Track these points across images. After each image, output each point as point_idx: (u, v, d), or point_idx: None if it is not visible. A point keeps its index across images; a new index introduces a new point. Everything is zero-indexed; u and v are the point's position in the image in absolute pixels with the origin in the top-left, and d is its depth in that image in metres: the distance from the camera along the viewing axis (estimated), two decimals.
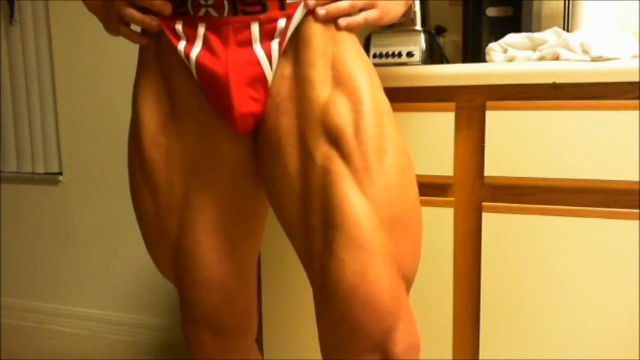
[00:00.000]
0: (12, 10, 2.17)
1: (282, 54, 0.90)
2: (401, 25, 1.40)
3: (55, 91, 2.19)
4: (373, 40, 1.41)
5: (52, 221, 2.29)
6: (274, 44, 0.89)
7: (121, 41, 2.05)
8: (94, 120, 2.15)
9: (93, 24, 2.09)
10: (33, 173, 2.26)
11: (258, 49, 0.89)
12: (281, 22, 0.88)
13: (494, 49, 1.26)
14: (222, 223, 0.98)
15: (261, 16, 0.87)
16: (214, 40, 0.88)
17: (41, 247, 2.32)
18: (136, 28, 0.96)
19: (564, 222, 1.16)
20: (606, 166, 1.12)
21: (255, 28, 0.88)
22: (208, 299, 1.01)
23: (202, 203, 0.96)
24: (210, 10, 0.87)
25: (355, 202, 0.83)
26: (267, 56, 0.89)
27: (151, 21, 0.91)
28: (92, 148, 2.17)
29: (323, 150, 0.87)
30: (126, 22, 0.95)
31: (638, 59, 1.11)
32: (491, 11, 1.40)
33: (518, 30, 1.34)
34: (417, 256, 0.90)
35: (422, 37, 1.37)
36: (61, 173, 2.24)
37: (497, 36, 1.31)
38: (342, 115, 0.86)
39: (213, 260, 0.99)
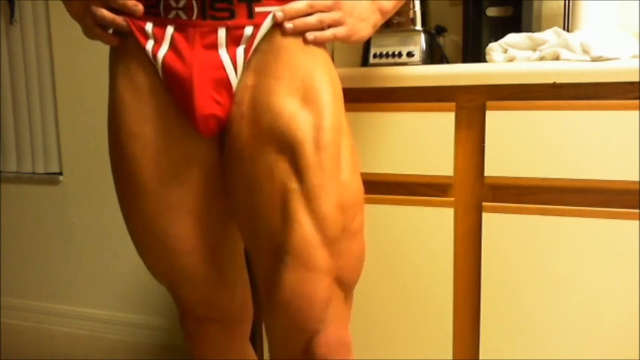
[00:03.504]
0: (12, 10, 2.17)
1: (249, 63, 0.91)
2: (401, 25, 1.41)
3: (55, 91, 2.19)
4: (373, 40, 1.41)
5: (52, 221, 2.29)
6: (240, 50, 0.91)
7: None
8: (94, 120, 2.15)
9: None
10: (33, 173, 2.26)
11: (223, 53, 0.90)
12: (248, 30, 0.90)
13: (494, 49, 1.26)
14: (206, 221, 1.00)
15: (229, 22, 0.89)
16: (181, 42, 0.90)
17: (41, 247, 2.32)
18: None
19: (564, 222, 1.16)
20: (606, 166, 1.12)
21: (221, 33, 0.89)
22: (209, 296, 1.05)
23: (182, 203, 0.97)
24: (180, 12, 0.89)
25: (303, 222, 0.87)
26: (232, 61, 0.91)
27: (121, 21, 0.92)
28: (92, 148, 2.17)
29: (282, 165, 0.88)
30: (100, 24, 0.96)
31: (638, 59, 1.11)
32: (491, 11, 1.40)
33: (518, 30, 1.34)
34: (360, 265, 0.95)
35: (422, 37, 1.37)
36: (61, 173, 2.24)
37: (498, 36, 1.31)
38: (303, 130, 0.88)
39: (206, 258, 1.01)
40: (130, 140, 0.95)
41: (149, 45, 0.92)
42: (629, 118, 1.10)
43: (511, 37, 1.24)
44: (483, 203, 1.22)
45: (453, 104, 1.21)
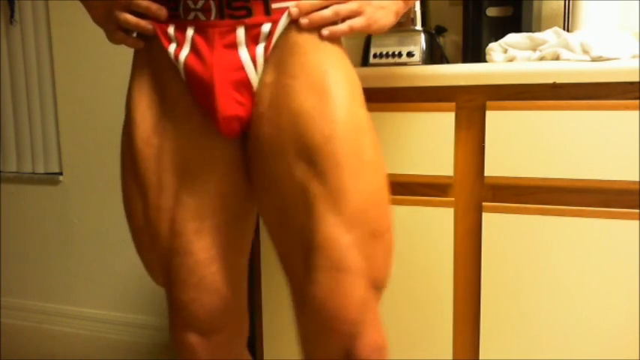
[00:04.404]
0: (12, 10, 2.17)
1: (268, 60, 0.91)
2: (401, 25, 1.40)
3: (55, 91, 2.19)
4: (373, 40, 1.41)
5: (52, 221, 2.29)
6: (259, 49, 0.90)
7: None
8: (94, 120, 2.15)
9: (93, 24, 2.08)
10: (33, 173, 2.26)
11: (243, 52, 0.90)
12: (265, 27, 0.89)
13: (494, 49, 1.26)
14: (215, 223, 0.98)
15: (247, 20, 0.88)
16: (201, 43, 0.90)
17: (41, 247, 2.32)
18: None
19: (564, 222, 1.16)
20: (606, 166, 1.12)
21: (240, 32, 0.89)
22: (200, 300, 1.00)
23: (194, 203, 0.96)
24: (199, 13, 0.89)
25: (331, 223, 0.87)
26: (252, 60, 0.90)
27: (146, 24, 0.93)
28: (92, 148, 2.17)
29: (301, 166, 0.88)
30: (122, 28, 0.97)
31: (638, 59, 1.11)
32: (491, 11, 1.40)
33: (518, 30, 1.34)
34: (389, 265, 0.94)
35: (422, 37, 1.37)
36: (61, 173, 2.24)
37: (498, 36, 1.31)
38: (319, 132, 0.87)
39: (206, 260, 0.98)
40: (146, 140, 0.95)
41: (171, 48, 0.92)
42: (629, 118, 1.10)
43: (511, 37, 1.24)
44: (483, 203, 1.22)
45: (453, 104, 1.21)
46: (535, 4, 1.43)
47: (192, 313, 1.00)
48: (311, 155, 0.87)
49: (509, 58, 1.23)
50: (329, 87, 0.88)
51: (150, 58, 0.96)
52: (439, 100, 1.22)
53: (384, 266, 0.93)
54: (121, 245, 2.18)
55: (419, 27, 1.40)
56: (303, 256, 0.90)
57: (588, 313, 1.17)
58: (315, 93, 0.88)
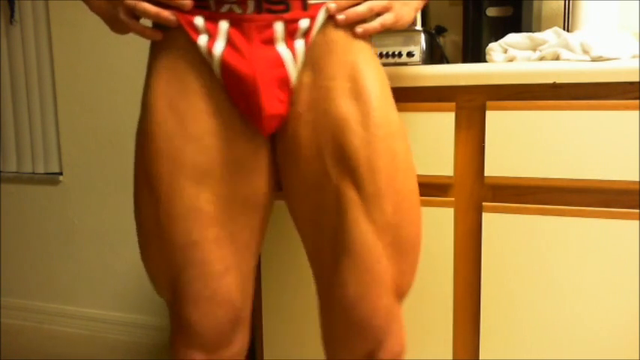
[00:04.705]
0: (12, 10, 2.17)
1: (305, 58, 0.89)
2: None
3: (55, 91, 2.19)
4: (373, 40, 1.40)
5: (52, 221, 2.29)
6: (299, 45, 0.88)
7: (121, 41, 2.05)
8: (94, 120, 2.15)
9: (93, 24, 2.09)
10: (33, 173, 2.26)
11: (282, 49, 0.87)
12: (303, 23, 0.87)
13: (494, 49, 1.26)
14: (230, 231, 0.93)
15: (285, 15, 0.86)
16: (238, 38, 0.86)
17: (41, 247, 2.32)
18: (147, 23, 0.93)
19: (564, 222, 1.16)
20: (606, 166, 1.12)
21: (279, 27, 0.86)
22: (214, 314, 0.94)
23: (214, 210, 0.91)
24: (234, 6, 0.85)
25: (364, 230, 0.88)
26: (292, 57, 0.88)
27: (169, 15, 0.87)
28: (92, 148, 2.17)
29: (338, 170, 0.88)
30: (136, 17, 0.90)
31: (638, 59, 1.11)
32: (491, 11, 1.40)
33: (518, 30, 1.34)
34: (415, 272, 0.96)
35: (422, 37, 1.37)
36: (61, 173, 2.24)
37: (498, 36, 1.31)
38: (358, 138, 0.88)
39: (221, 271, 0.93)
40: (167, 142, 0.89)
41: (202, 40, 0.86)
42: (629, 118, 1.10)
43: (511, 37, 1.24)
44: (483, 203, 1.22)
45: (453, 104, 1.21)
46: (535, 4, 1.43)
47: (201, 330, 0.94)
48: (347, 160, 0.88)
49: (509, 58, 1.22)
50: (366, 91, 0.89)
51: (168, 51, 0.90)
52: (439, 100, 1.22)
53: (410, 275, 0.94)
54: (121, 245, 2.18)
55: (419, 27, 1.40)
56: (334, 257, 0.91)
57: (588, 313, 1.17)
58: (353, 97, 0.88)
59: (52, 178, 2.25)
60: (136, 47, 2.03)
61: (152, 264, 0.95)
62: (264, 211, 0.98)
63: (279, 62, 0.87)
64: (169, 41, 0.90)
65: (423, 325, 1.29)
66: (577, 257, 1.17)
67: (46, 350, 2.11)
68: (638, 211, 1.12)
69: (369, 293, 0.90)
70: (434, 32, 1.45)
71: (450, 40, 1.61)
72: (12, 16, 2.17)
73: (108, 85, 2.11)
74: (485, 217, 1.21)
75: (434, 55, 1.43)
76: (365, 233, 0.88)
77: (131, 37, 2.04)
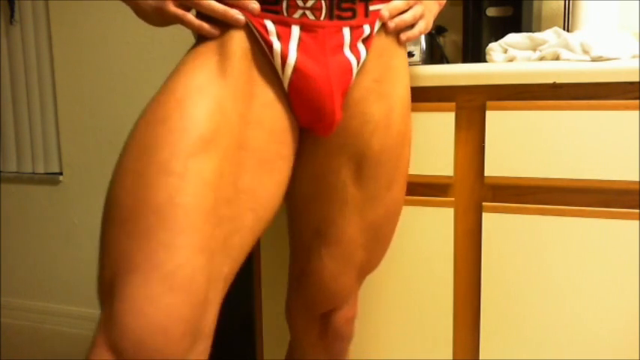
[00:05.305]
0: (12, 10, 2.17)
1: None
2: None
3: (55, 91, 2.19)
4: None
5: (52, 221, 2.29)
6: (363, 50, 0.89)
7: (121, 41, 2.05)
8: (94, 120, 2.15)
9: (93, 24, 2.09)
10: (33, 173, 2.26)
11: (349, 54, 0.88)
12: (366, 29, 0.89)
13: (494, 49, 1.26)
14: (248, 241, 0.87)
15: (352, 22, 0.87)
16: (311, 44, 0.84)
17: (41, 247, 2.32)
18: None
19: (564, 222, 1.16)
20: (606, 166, 1.12)
21: (347, 33, 0.87)
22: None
23: (244, 226, 0.84)
24: (308, 12, 0.84)
25: (353, 224, 0.97)
26: (357, 62, 0.89)
27: (236, 14, 0.82)
28: (92, 148, 2.17)
29: (349, 167, 0.94)
30: (187, 8, 0.83)
31: (638, 59, 1.11)
32: (491, 11, 1.40)
33: (518, 30, 1.33)
34: (381, 261, 1.08)
35: (422, 37, 1.37)
36: (61, 173, 2.24)
37: (498, 36, 1.31)
38: (380, 142, 0.93)
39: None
40: (201, 146, 0.77)
41: (277, 45, 0.83)
42: (629, 118, 1.10)
43: (511, 37, 1.24)
44: (483, 203, 1.22)
45: (453, 104, 1.21)
46: (535, 4, 1.43)
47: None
48: (361, 160, 0.93)
49: (509, 58, 1.22)
50: (399, 97, 0.94)
51: (222, 49, 0.82)
52: (439, 100, 1.22)
53: (376, 263, 1.07)
54: None
55: None
56: (320, 237, 1.00)
57: (588, 313, 1.17)
58: (387, 103, 0.92)
59: (52, 178, 2.25)
60: (136, 47, 2.03)
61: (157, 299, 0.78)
62: (274, 214, 1.01)
63: (349, 68, 0.88)
64: (221, 41, 0.83)
65: (423, 325, 1.29)
66: (577, 257, 1.17)
67: (46, 350, 2.11)
68: (638, 211, 1.12)
69: (342, 275, 1.02)
70: (434, 32, 1.46)
71: (450, 40, 1.60)
72: (12, 16, 2.17)
73: (108, 85, 2.11)
74: (485, 217, 1.21)
75: (434, 55, 1.43)
76: (353, 227, 0.97)
77: (131, 37, 2.04)
